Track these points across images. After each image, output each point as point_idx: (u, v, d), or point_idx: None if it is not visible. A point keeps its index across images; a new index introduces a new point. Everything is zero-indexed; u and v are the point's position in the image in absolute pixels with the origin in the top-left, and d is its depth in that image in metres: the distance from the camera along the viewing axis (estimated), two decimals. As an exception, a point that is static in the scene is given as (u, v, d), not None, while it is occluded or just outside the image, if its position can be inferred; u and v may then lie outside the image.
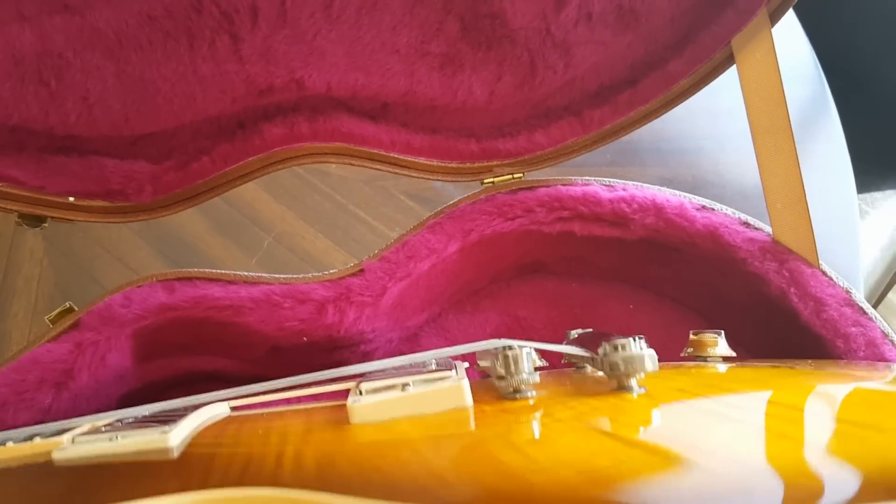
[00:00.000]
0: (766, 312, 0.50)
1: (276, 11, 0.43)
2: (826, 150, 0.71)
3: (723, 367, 0.40)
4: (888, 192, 1.15)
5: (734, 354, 0.43)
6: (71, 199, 0.48)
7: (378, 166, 0.52)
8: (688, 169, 0.70)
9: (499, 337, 0.56)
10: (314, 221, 0.66)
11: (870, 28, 0.93)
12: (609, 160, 0.69)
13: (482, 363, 0.38)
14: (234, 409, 0.38)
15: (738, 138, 0.71)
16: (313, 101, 0.48)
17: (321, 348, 0.51)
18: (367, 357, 0.53)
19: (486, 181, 0.54)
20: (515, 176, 0.54)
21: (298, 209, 0.67)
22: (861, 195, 1.11)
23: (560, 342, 0.57)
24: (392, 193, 0.68)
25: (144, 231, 0.65)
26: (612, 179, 0.54)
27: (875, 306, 1.20)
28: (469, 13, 0.46)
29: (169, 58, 0.44)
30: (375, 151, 0.51)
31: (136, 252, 0.64)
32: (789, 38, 0.80)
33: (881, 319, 0.48)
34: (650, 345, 0.34)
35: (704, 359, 0.43)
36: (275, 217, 0.66)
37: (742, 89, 0.49)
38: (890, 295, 1.39)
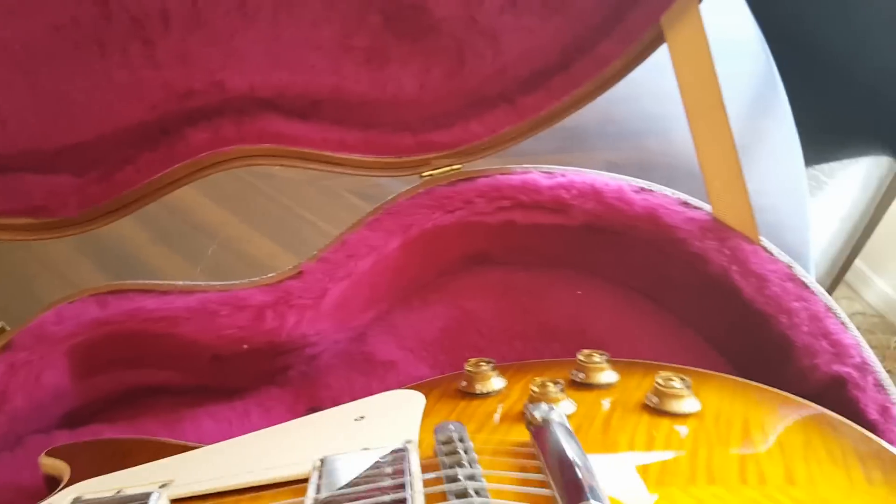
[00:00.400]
0: (711, 291, 0.50)
1: (187, 13, 0.42)
2: (773, 127, 0.71)
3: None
4: (846, 162, 1.15)
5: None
6: (-7, 217, 0.47)
7: (312, 166, 0.51)
8: (636, 152, 0.70)
9: (448, 331, 0.56)
10: (259, 225, 0.65)
11: None
12: (556, 147, 0.69)
13: None
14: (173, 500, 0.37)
15: (685, 118, 0.70)
16: (237, 103, 0.47)
17: (264, 354, 0.50)
18: (312, 361, 0.52)
19: (424, 174, 0.53)
20: (454, 167, 0.53)
21: (242, 213, 0.66)
22: (819, 166, 1.11)
23: (509, 332, 0.56)
24: (338, 192, 0.66)
25: (84, 245, 0.63)
26: (551, 166, 0.54)
27: (841, 276, 1.20)
28: (391, 5, 0.45)
29: (81, 68, 0.43)
30: (308, 150, 0.50)
31: (77, 267, 0.62)
32: (733, 13, 0.79)
33: (824, 293, 0.48)
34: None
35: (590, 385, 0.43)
36: (218, 223, 0.65)
37: (674, 67, 0.48)
38: (858, 262, 1.40)
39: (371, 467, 0.35)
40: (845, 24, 0.93)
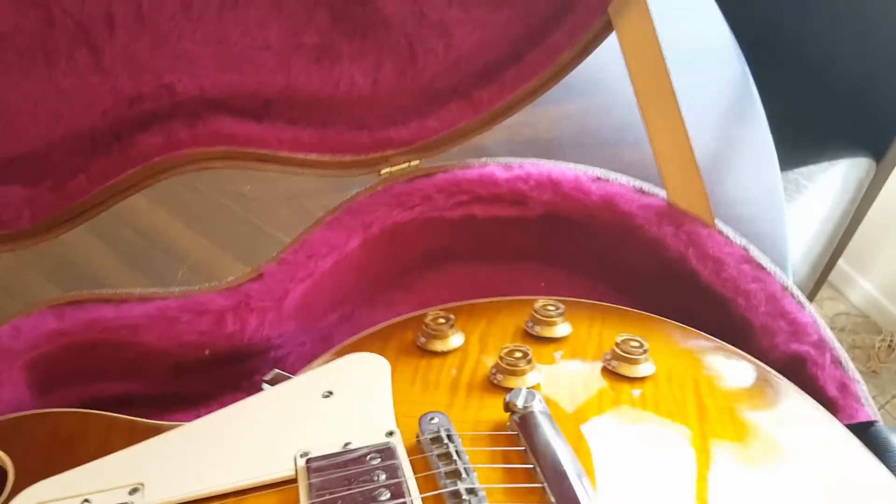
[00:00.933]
0: (670, 277, 0.51)
1: (132, 17, 0.42)
2: (749, 134, 0.71)
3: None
4: (825, 165, 1.16)
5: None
6: (-56, 232, 0.46)
7: (268, 167, 0.51)
8: (610, 163, 0.69)
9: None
10: (230, 247, 0.63)
11: (791, 3, 0.93)
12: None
13: None
14: None
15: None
16: (189, 106, 0.47)
17: (227, 359, 0.49)
18: (278, 364, 0.52)
19: (383, 172, 0.53)
20: (413, 164, 0.53)
21: (213, 235, 0.64)
22: (798, 169, 1.12)
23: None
24: (311, 212, 0.63)
25: (52, 272, 0.62)
26: (510, 159, 0.54)
27: (824, 277, 1.21)
28: (338, 2, 0.45)
29: (27, 76, 0.42)
30: (263, 151, 0.50)
31: (44, 294, 0.60)
32: (705, 20, 0.80)
33: (780, 272, 0.48)
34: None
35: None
36: (188, 245, 0.63)
37: (623, 56, 0.49)
38: (841, 263, 1.41)
39: (361, 472, 0.35)
40: (821, 25, 0.94)
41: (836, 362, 0.45)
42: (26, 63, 0.42)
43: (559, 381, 0.42)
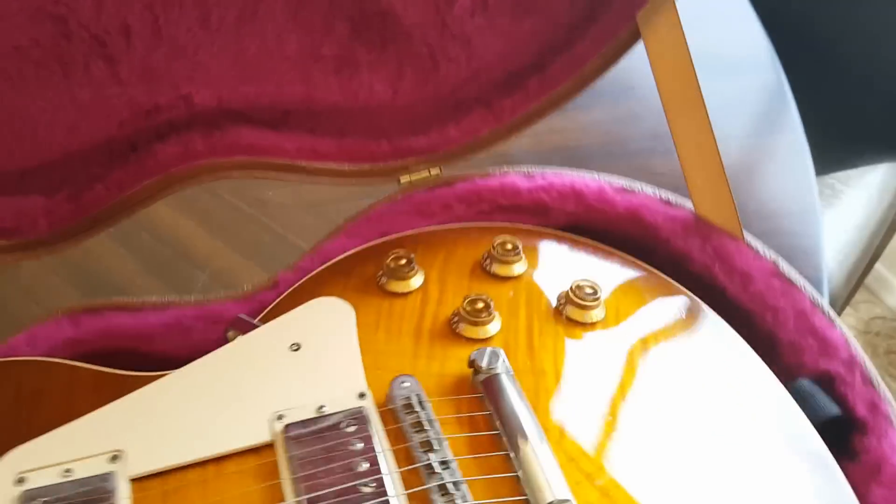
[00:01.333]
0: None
1: (149, 29, 0.41)
2: (783, 141, 0.69)
3: None
4: (862, 170, 1.13)
5: None
6: (-38, 241, 0.46)
7: (287, 176, 0.50)
8: (640, 172, 0.68)
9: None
10: (252, 255, 0.62)
11: (829, 4, 0.91)
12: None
13: None
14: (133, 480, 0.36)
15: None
16: (206, 117, 0.46)
17: (244, 370, 0.49)
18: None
19: (403, 180, 0.52)
20: (432, 172, 0.52)
21: (234, 243, 0.63)
22: (835, 174, 1.09)
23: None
24: (334, 220, 0.63)
25: (73, 277, 0.61)
26: (531, 168, 0.53)
27: (861, 281, 1.18)
28: (357, 13, 0.44)
29: (44, 87, 0.42)
30: (282, 161, 0.49)
31: (65, 299, 0.60)
32: (743, 25, 0.78)
33: (811, 288, 0.47)
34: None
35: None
36: (209, 252, 0.62)
37: (651, 66, 0.47)
38: (878, 266, 1.38)
39: (338, 443, 0.36)
40: (858, 30, 0.91)
41: (867, 381, 0.44)
42: (43, 75, 0.42)
43: (515, 326, 0.44)
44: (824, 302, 0.47)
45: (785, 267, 0.48)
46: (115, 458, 0.36)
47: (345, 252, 0.50)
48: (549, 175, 0.51)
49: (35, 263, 0.62)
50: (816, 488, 0.39)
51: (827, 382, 0.44)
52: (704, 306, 0.46)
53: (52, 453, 0.36)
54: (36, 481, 0.35)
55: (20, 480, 0.35)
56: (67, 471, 0.36)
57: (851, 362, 0.45)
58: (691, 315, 0.46)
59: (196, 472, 0.36)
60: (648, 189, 0.51)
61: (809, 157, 0.68)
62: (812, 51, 0.88)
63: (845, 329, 0.46)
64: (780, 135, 0.70)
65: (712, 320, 0.46)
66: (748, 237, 0.49)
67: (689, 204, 0.50)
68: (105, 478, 0.35)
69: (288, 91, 0.46)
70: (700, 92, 0.47)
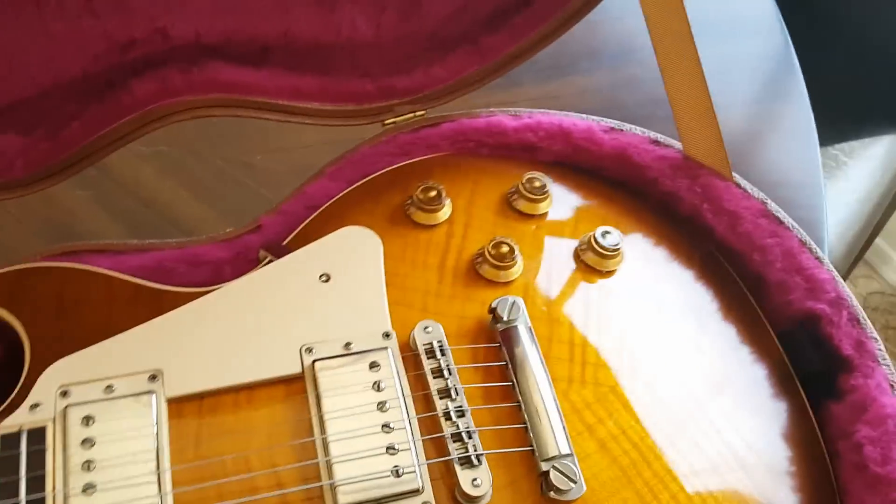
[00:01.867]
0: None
1: (122, -44, 0.40)
2: (789, 109, 0.68)
3: None
4: (866, 141, 1.11)
5: None
6: (-63, 180, 0.45)
7: (268, 115, 0.49)
8: None
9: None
10: (238, 219, 0.61)
11: None
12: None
13: None
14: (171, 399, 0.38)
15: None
16: (183, 52, 0.45)
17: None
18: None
19: (387, 122, 0.51)
20: (418, 114, 0.51)
21: (220, 207, 0.61)
22: (839, 145, 1.08)
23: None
24: None
25: (56, 240, 0.59)
26: (518, 109, 0.52)
27: (861, 255, 1.17)
28: (337, -59, 0.43)
29: (16, 20, 0.41)
30: (262, 100, 0.48)
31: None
32: None
33: (798, 228, 0.47)
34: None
35: None
36: (196, 218, 0.61)
37: (640, 2, 0.46)
38: (878, 241, 1.36)
39: (363, 381, 0.39)
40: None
41: (853, 320, 0.44)
42: (15, 6, 0.40)
43: (535, 269, 0.45)
44: (811, 242, 0.46)
45: (773, 207, 0.47)
46: (154, 378, 0.38)
47: (328, 196, 0.49)
48: (536, 114, 0.50)
49: (15, 224, 0.62)
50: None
51: (813, 322, 0.44)
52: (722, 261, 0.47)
53: (95, 368, 0.38)
54: (78, 395, 0.37)
55: (64, 393, 0.37)
56: (109, 387, 0.38)
57: (838, 302, 0.44)
58: (704, 272, 0.46)
59: (230, 396, 0.38)
60: (637, 130, 0.50)
61: (814, 126, 0.67)
62: (817, 18, 0.86)
63: (833, 269, 0.45)
64: (784, 102, 0.69)
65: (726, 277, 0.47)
66: (737, 178, 0.48)
67: (678, 144, 0.49)
68: (148, 397, 0.37)
69: (266, 25, 0.45)
70: (688, 24, 0.46)
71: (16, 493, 0.35)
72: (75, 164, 0.47)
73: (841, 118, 0.92)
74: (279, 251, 0.44)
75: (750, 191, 0.48)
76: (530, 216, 0.47)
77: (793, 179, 0.64)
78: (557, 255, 0.46)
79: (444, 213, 0.46)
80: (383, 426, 0.38)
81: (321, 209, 0.47)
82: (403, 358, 0.40)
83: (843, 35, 0.88)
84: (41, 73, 0.44)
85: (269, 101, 0.49)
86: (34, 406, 0.37)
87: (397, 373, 0.39)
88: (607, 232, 0.45)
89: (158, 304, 0.41)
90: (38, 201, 0.61)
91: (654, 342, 0.43)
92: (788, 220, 0.47)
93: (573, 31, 0.50)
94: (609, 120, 0.51)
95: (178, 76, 0.46)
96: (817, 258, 0.45)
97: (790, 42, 0.71)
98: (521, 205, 0.47)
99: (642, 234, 0.47)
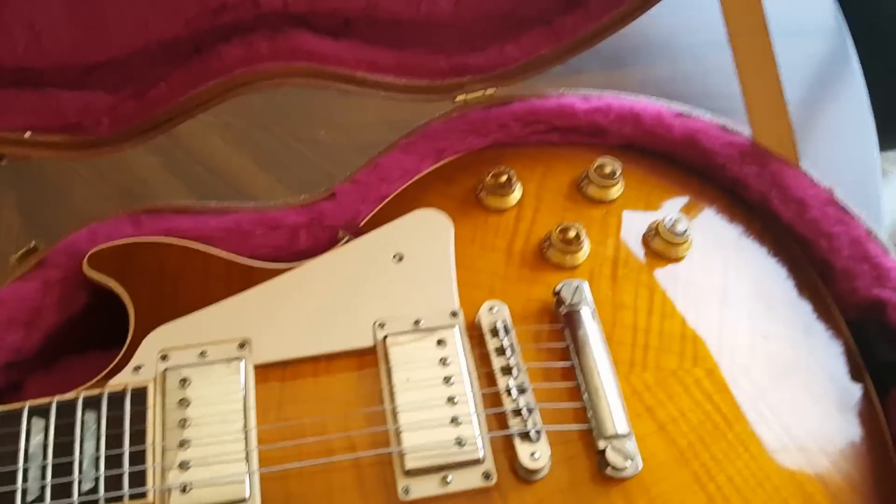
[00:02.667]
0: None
1: (223, -78, 0.41)
2: (846, 109, 0.68)
3: None
4: None
5: None
6: (27, 134, 0.46)
7: (344, 86, 0.50)
8: None
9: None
10: (303, 193, 0.62)
11: None
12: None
13: None
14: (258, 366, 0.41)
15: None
16: (271, 19, 0.46)
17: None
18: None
19: (458, 99, 0.52)
20: (488, 92, 0.52)
21: (285, 179, 0.63)
22: (882, 153, 1.06)
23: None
24: None
25: (125, 205, 0.62)
26: (588, 90, 0.53)
27: None
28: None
29: (116, -21, 0.42)
30: (340, 71, 0.49)
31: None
32: None
33: (865, 218, 0.47)
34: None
35: None
36: (260, 188, 0.63)
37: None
38: None
39: (429, 357, 0.41)
40: None
41: (919, 309, 0.44)
42: (116, -33, 0.42)
43: (602, 255, 0.46)
44: (877, 231, 0.47)
45: (840, 196, 0.48)
46: (243, 346, 0.41)
47: (400, 167, 0.50)
48: (606, 97, 0.51)
49: (87, 188, 0.63)
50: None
51: (879, 309, 0.45)
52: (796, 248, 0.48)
53: (191, 335, 0.41)
54: (176, 359, 0.40)
55: (164, 357, 0.41)
56: (203, 353, 0.41)
57: (905, 291, 0.45)
58: (772, 259, 0.47)
59: (310, 365, 0.41)
60: (707, 115, 0.51)
61: (873, 129, 0.66)
62: (879, 23, 0.85)
63: (900, 256, 0.46)
64: (842, 103, 0.69)
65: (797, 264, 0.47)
66: (804, 166, 0.49)
67: (746, 132, 0.50)
68: (237, 363, 0.40)
69: (352, -2, 0.46)
70: (765, 19, 0.47)
71: (120, 445, 0.38)
72: (159, 126, 0.48)
73: (887, 125, 0.91)
74: (357, 231, 0.46)
75: (817, 180, 0.48)
76: (600, 202, 0.48)
77: (849, 181, 0.64)
78: (625, 242, 0.46)
79: (515, 197, 0.47)
80: (448, 399, 0.39)
81: (397, 192, 0.49)
82: (469, 336, 0.42)
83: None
84: (134, 34, 0.45)
85: (347, 73, 0.50)
86: (137, 368, 0.40)
87: (463, 350, 0.41)
88: (675, 220, 0.46)
89: (248, 279, 0.44)
90: (109, 167, 0.63)
91: (719, 328, 0.43)
92: (855, 210, 0.47)
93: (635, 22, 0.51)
94: (678, 104, 0.51)
95: (264, 43, 0.47)
96: (883, 247, 0.46)
97: (850, 43, 0.71)
98: (592, 190, 0.48)
99: (712, 219, 0.48)
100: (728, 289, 0.45)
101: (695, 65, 0.68)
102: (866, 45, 0.72)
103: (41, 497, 0.37)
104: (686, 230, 0.45)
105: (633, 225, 0.47)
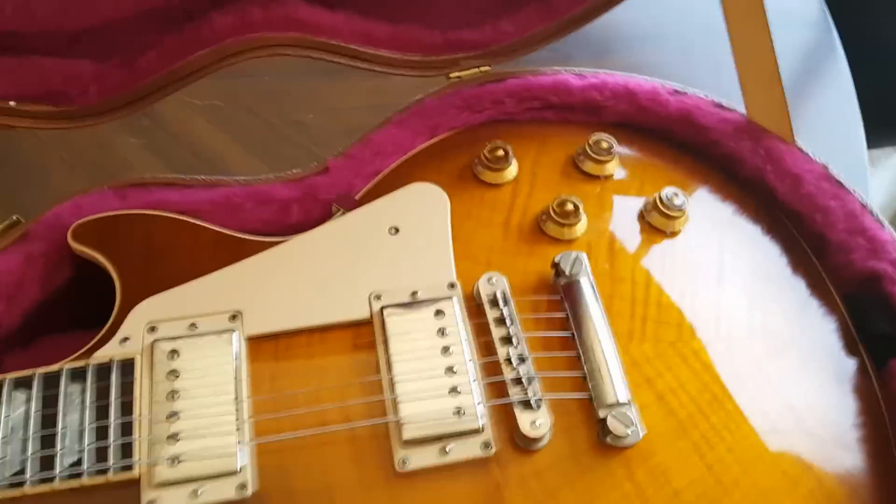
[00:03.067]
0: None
1: None
2: (833, 100, 0.68)
3: None
4: (888, 150, 1.11)
5: None
6: (11, 103, 0.45)
7: (337, 59, 0.49)
8: None
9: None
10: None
11: None
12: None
13: None
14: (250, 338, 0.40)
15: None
16: (264, -13, 0.46)
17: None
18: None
19: (452, 76, 0.52)
20: (482, 69, 0.52)
21: (271, 161, 0.62)
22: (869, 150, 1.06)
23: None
24: None
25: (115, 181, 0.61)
26: (583, 69, 0.52)
27: None
28: None
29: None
30: (334, 42, 0.49)
31: None
32: None
33: (860, 192, 0.47)
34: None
35: None
36: (247, 171, 0.60)
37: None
38: None
39: (428, 328, 0.40)
40: None
41: (915, 282, 0.44)
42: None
43: (599, 228, 0.45)
44: (871, 205, 0.47)
45: (834, 171, 0.48)
46: (234, 318, 0.40)
47: (393, 142, 0.50)
48: (601, 74, 0.51)
49: (67, 169, 0.62)
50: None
51: (874, 282, 0.45)
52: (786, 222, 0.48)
53: (180, 307, 0.40)
54: (164, 331, 0.39)
55: (152, 329, 0.39)
56: (193, 325, 0.40)
57: (900, 264, 0.45)
58: (767, 233, 0.47)
59: (303, 337, 0.40)
60: (701, 92, 0.51)
61: (860, 122, 0.67)
62: (855, 19, 0.86)
63: (893, 231, 0.46)
64: (830, 92, 0.69)
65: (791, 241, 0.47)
66: (798, 142, 0.49)
67: (740, 109, 0.50)
68: (229, 335, 0.39)
69: (348, -34, 0.46)
70: (760, -6, 0.47)
71: (106, 417, 0.37)
72: (146, 97, 0.47)
73: (868, 125, 0.92)
74: (351, 204, 0.45)
75: (812, 155, 0.48)
76: (596, 177, 0.47)
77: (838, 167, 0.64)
78: (622, 215, 0.46)
79: (511, 172, 0.47)
80: (447, 369, 0.39)
81: (391, 168, 0.48)
82: (467, 307, 0.41)
83: (876, 38, 0.89)
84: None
85: (341, 45, 0.49)
86: (124, 340, 0.39)
87: (461, 320, 0.40)
88: (673, 193, 0.46)
89: (239, 251, 0.43)
90: (90, 147, 0.62)
91: (715, 301, 0.43)
92: (849, 184, 0.47)
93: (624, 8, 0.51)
94: (672, 83, 0.51)
95: (257, 10, 0.46)
96: (878, 221, 0.46)
97: (836, 37, 0.72)
98: (587, 165, 0.47)
99: (707, 195, 0.48)
100: (724, 263, 0.45)
101: (682, 53, 0.69)
102: (852, 46, 0.72)
103: (21, 471, 0.35)
104: (683, 203, 0.45)
105: (630, 200, 0.47)
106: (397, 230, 0.44)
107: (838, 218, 0.46)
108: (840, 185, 0.47)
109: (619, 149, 0.48)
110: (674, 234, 0.46)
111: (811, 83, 0.71)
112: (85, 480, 0.35)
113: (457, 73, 0.52)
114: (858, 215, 0.46)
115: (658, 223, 0.46)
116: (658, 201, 0.45)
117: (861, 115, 0.68)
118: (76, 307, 0.47)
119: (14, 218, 0.46)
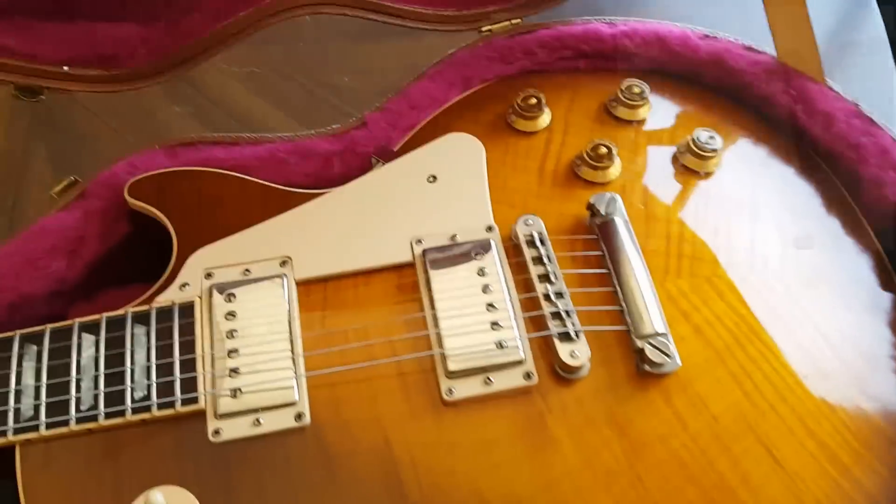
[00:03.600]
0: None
1: None
2: (866, 47, 0.68)
3: None
4: None
5: None
6: (65, 67, 0.47)
7: (372, 16, 0.51)
8: None
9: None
10: None
11: None
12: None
13: None
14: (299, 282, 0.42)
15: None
16: (302, -53, 0.47)
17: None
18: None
19: (483, 30, 0.53)
20: (513, 22, 0.53)
21: (309, 124, 0.64)
22: None
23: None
24: None
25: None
26: (613, 17, 0.53)
27: None
28: None
29: None
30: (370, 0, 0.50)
31: None
32: None
33: (890, 128, 0.48)
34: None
35: None
36: (284, 131, 0.64)
37: None
38: None
39: (468, 269, 0.41)
40: None
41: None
42: None
43: (633, 171, 0.46)
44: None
45: (866, 108, 0.48)
46: (284, 263, 0.42)
47: (428, 95, 0.51)
48: (631, 22, 0.52)
49: (113, 135, 0.64)
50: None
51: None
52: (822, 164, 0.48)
53: (234, 254, 0.43)
54: (220, 276, 0.42)
55: (208, 275, 0.42)
56: (247, 270, 0.42)
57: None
58: (800, 172, 0.48)
59: (349, 280, 0.42)
60: (731, 36, 0.51)
61: (893, 69, 0.66)
62: None
63: (927, 166, 0.46)
64: (860, 35, 0.68)
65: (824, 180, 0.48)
66: (829, 81, 0.49)
67: (770, 51, 0.51)
68: (280, 279, 0.41)
69: (382, -78, 0.47)
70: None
71: (170, 355, 0.39)
72: (193, 58, 0.49)
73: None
74: (389, 156, 0.47)
75: (842, 93, 0.49)
76: (629, 122, 0.48)
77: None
78: (656, 158, 0.47)
79: (544, 120, 0.48)
80: (488, 305, 0.40)
81: (426, 120, 0.50)
82: (505, 248, 0.42)
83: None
84: (167, -37, 0.46)
85: (374, 2, 0.50)
86: (183, 285, 0.42)
87: (500, 260, 0.42)
88: (707, 135, 0.46)
89: (285, 202, 0.45)
90: (137, 116, 0.64)
91: (749, 238, 0.44)
92: (880, 121, 0.48)
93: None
94: (702, 28, 0.52)
95: (295, -30, 0.48)
96: (911, 156, 0.46)
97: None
98: (621, 111, 0.48)
99: (739, 137, 0.48)
100: (757, 202, 0.46)
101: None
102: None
103: (94, 405, 0.38)
104: (717, 145, 0.46)
105: (663, 143, 0.48)
106: (435, 178, 0.45)
107: (871, 153, 0.46)
108: (871, 121, 0.47)
109: (651, 94, 0.48)
110: (708, 174, 0.46)
111: (842, 32, 0.70)
112: (155, 412, 0.37)
113: (488, 27, 0.53)
114: (890, 150, 0.46)
115: (692, 164, 0.46)
116: (692, 143, 0.46)
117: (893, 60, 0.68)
118: (135, 261, 0.50)
119: (72, 178, 0.49)
